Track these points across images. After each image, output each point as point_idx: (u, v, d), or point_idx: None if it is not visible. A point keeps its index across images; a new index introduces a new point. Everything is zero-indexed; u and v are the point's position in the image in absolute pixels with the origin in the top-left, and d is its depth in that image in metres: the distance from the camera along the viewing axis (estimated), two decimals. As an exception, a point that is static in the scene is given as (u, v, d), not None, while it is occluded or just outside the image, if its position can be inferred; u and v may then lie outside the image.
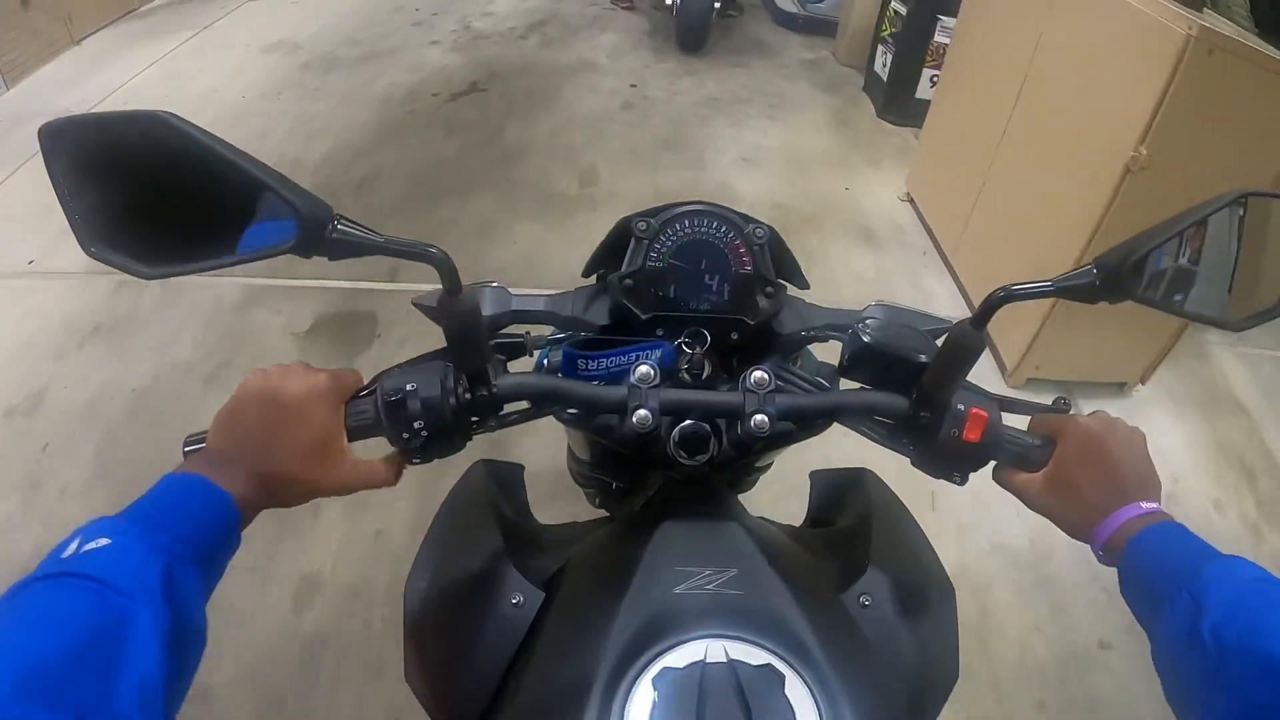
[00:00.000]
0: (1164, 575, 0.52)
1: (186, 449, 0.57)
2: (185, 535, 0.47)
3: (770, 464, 0.91)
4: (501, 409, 0.63)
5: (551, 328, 0.75)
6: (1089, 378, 2.47)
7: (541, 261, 2.78)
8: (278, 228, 0.50)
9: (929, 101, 4.08)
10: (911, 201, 3.34)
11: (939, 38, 3.87)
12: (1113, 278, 0.55)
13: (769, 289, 0.69)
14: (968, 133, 2.85)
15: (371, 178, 3.20)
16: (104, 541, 0.43)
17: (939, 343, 0.61)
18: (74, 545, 0.43)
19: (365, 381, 0.61)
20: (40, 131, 0.47)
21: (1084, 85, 2.15)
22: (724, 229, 0.67)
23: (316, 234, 0.50)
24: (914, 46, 3.91)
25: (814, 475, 0.93)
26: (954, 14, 3.83)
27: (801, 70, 4.59)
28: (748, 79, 4.36)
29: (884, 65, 4.15)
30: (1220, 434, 2.39)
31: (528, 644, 0.61)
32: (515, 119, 3.72)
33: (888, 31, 4.09)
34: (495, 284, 0.68)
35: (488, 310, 0.65)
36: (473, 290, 0.58)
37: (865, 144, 3.84)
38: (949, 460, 0.63)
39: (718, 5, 4.46)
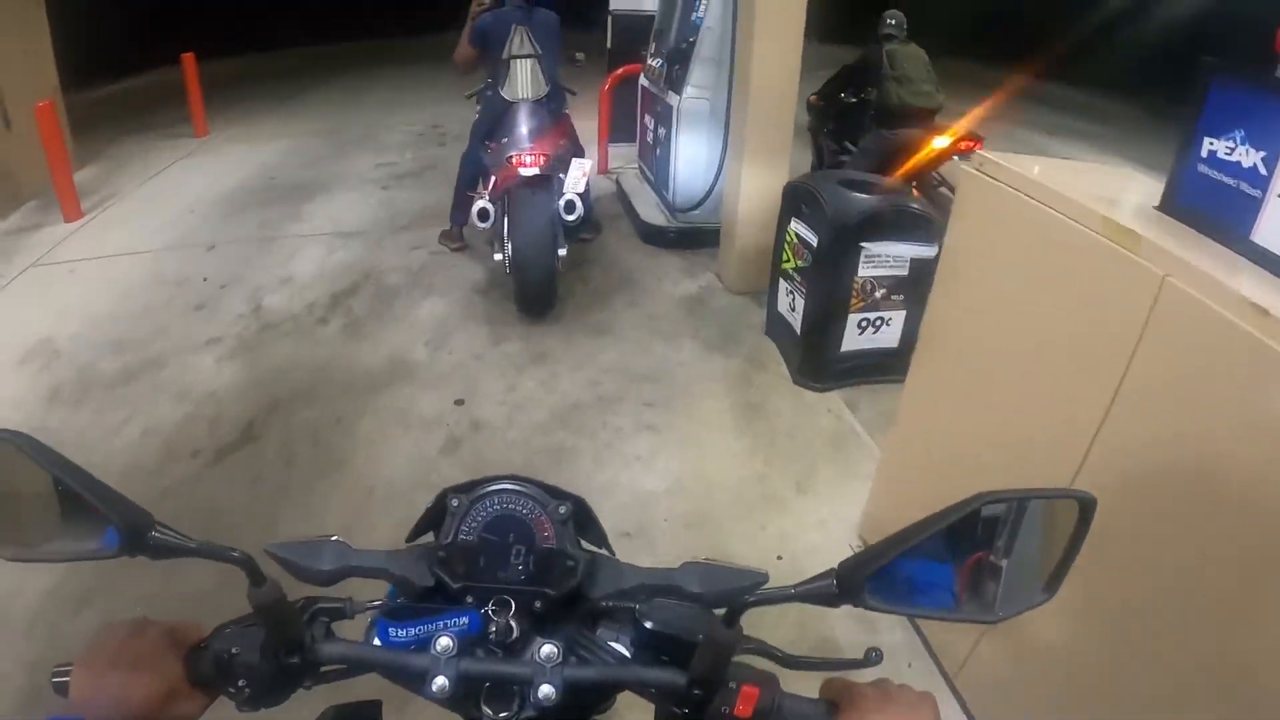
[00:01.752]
0: None
1: (53, 679, 0.62)
2: None
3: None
4: (319, 670, 0.68)
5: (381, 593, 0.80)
6: None
7: None
8: (101, 534, 0.58)
9: (860, 355, 3.09)
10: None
11: (866, 271, 2.86)
12: (853, 586, 0.57)
13: (570, 562, 0.71)
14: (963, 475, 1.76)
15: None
16: None
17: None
18: None
19: (207, 633, 0.68)
20: None
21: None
22: (530, 505, 0.72)
23: (138, 540, 0.58)
24: (833, 287, 2.89)
25: None
26: (885, 237, 2.78)
27: (685, 317, 3.55)
28: (616, 354, 3.28)
29: (792, 309, 3.11)
30: None
31: None
32: (296, 499, 2.52)
33: (792, 265, 3.07)
34: (335, 539, 0.72)
35: (326, 565, 0.69)
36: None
37: (787, 443, 2.77)
38: None
39: (562, 252, 3.40)
